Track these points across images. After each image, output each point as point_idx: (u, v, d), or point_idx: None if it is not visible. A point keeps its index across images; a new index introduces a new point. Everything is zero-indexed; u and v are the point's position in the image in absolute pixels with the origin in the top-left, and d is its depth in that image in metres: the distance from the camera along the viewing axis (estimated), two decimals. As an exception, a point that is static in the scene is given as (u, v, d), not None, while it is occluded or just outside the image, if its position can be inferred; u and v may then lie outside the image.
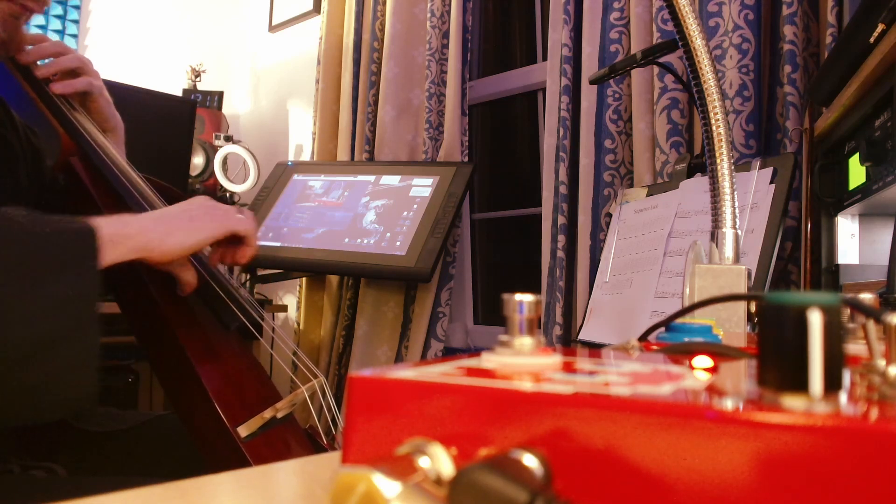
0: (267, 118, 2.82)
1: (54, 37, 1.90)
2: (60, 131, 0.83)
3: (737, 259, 0.60)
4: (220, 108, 2.58)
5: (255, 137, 2.77)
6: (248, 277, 2.15)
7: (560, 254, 1.64)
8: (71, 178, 0.82)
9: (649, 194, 1.35)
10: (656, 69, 1.47)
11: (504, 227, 2.29)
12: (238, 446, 0.69)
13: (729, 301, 0.54)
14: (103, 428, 0.84)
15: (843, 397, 0.17)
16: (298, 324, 2.31)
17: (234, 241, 0.78)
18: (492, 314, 2.19)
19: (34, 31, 1.70)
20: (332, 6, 2.37)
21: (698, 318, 0.41)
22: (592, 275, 1.54)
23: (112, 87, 0.91)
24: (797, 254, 1.22)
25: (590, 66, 1.62)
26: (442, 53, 2.05)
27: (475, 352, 0.27)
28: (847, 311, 0.36)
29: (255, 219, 0.82)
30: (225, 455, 0.70)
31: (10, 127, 0.82)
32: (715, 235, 0.60)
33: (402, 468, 0.18)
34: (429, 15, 2.05)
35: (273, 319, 2.47)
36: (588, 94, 1.62)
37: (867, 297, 0.34)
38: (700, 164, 1.25)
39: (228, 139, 2.42)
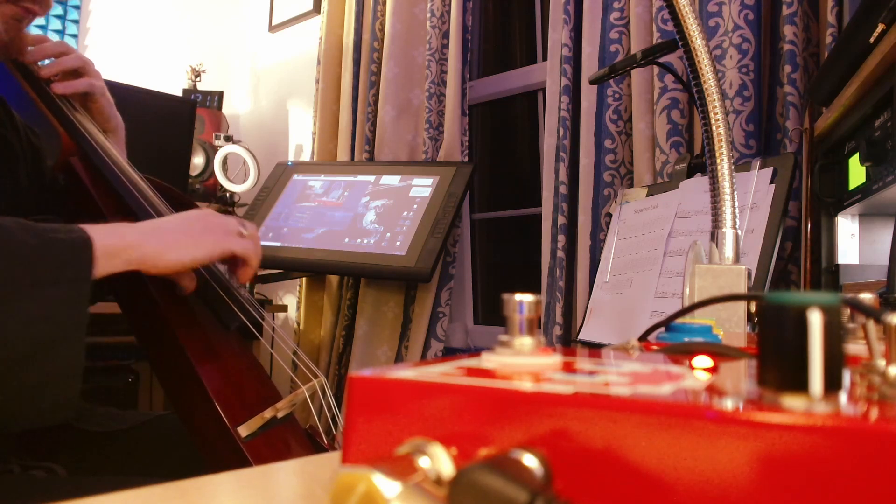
0: (267, 118, 2.82)
1: (54, 37, 1.91)
2: (61, 131, 0.83)
3: (737, 259, 0.60)
4: (220, 108, 2.58)
5: (255, 137, 2.77)
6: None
7: (560, 254, 1.64)
8: (71, 178, 0.82)
9: (649, 194, 1.35)
10: (656, 69, 1.47)
11: (504, 227, 2.29)
12: (238, 446, 0.69)
13: (729, 301, 0.54)
14: (103, 428, 0.84)
15: (843, 397, 0.17)
16: (298, 324, 2.31)
17: (235, 258, 0.76)
18: (492, 314, 2.19)
19: (34, 31, 1.70)
20: (332, 6, 2.37)
21: (698, 318, 0.41)
22: (592, 275, 1.54)
23: (112, 87, 0.91)
24: (797, 254, 1.22)
25: (590, 66, 1.62)
26: (442, 53, 2.05)
27: (475, 352, 0.27)
28: (847, 311, 0.36)
29: (258, 239, 0.79)
30: (225, 455, 0.70)
31: (11, 127, 0.82)
32: (715, 235, 0.60)
33: (402, 468, 0.18)
34: (429, 15, 2.05)
35: (273, 319, 2.47)
36: (588, 94, 1.62)
37: (867, 297, 0.34)
38: (700, 164, 1.25)
39: (228, 139, 2.42)
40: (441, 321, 1.97)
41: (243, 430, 0.70)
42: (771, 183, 1.07)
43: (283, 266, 1.97)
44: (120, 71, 2.40)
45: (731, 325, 0.55)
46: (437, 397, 0.21)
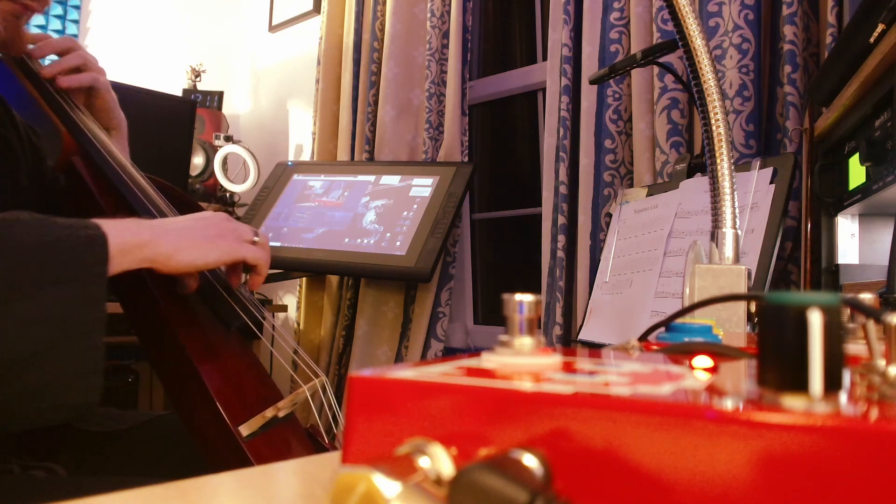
0: (267, 118, 2.82)
1: (54, 37, 1.90)
2: (62, 130, 0.83)
3: (737, 259, 0.60)
4: (220, 108, 2.58)
5: (255, 137, 2.77)
6: (248, 277, 2.15)
7: (560, 254, 1.64)
8: (72, 177, 0.82)
9: (649, 194, 1.35)
10: (656, 69, 1.47)
11: (504, 227, 2.29)
12: (239, 445, 0.69)
13: (729, 301, 0.54)
14: (103, 428, 0.84)
15: (843, 397, 0.17)
16: (298, 324, 2.31)
17: (245, 265, 0.78)
18: (492, 314, 2.19)
19: (34, 31, 1.70)
20: (332, 6, 2.37)
21: (698, 318, 0.41)
22: (592, 275, 1.54)
23: (112, 87, 0.91)
24: (797, 254, 1.22)
25: (590, 66, 1.62)
26: (442, 53, 2.05)
27: (475, 352, 0.27)
28: (847, 311, 0.36)
29: (269, 249, 0.80)
30: (226, 454, 0.70)
31: (11, 126, 0.81)
32: (715, 235, 0.60)
33: (402, 468, 0.18)
34: (429, 15, 2.05)
35: (273, 319, 2.47)
36: (588, 94, 1.62)
37: (867, 297, 0.34)
38: (700, 164, 1.25)
39: (228, 139, 2.42)
40: (441, 321, 1.96)
41: (244, 430, 0.70)
42: (771, 183, 1.07)
43: (283, 266, 1.97)
44: (120, 71, 2.40)
45: (731, 325, 0.55)
46: (438, 397, 0.21)
